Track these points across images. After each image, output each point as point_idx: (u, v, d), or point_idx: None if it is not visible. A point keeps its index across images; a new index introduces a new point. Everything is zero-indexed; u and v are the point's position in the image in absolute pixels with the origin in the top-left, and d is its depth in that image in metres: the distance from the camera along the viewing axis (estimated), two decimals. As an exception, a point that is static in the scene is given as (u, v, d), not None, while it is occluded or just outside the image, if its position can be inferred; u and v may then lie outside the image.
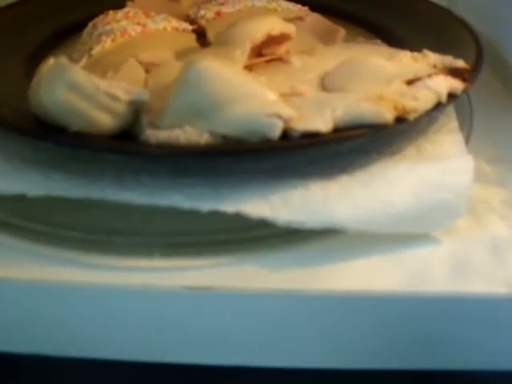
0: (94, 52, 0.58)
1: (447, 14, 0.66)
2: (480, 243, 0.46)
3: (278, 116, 0.44)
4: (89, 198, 0.45)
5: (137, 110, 0.46)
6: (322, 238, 0.45)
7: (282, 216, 0.43)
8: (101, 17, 0.64)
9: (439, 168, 0.47)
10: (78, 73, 0.45)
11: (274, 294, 0.42)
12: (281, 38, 0.55)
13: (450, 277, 0.44)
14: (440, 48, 0.56)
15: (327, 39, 0.64)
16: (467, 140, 0.53)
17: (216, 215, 0.43)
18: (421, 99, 0.47)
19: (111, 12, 0.64)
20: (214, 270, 0.44)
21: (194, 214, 0.44)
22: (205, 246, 0.44)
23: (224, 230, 0.44)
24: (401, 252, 0.45)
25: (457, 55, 0.55)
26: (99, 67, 0.56)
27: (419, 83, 0.49)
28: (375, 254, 0.45)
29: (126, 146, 0.46)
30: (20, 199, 0.45)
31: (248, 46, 0.53)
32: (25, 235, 0.46)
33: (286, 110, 0.44)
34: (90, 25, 0.64)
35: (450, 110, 0.55)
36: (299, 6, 0.67)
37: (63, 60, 0.46)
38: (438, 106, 0.49)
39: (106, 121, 0.45)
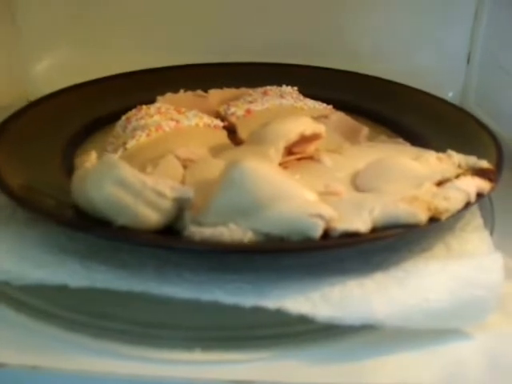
0: (128, 146, 0.60)
1: (465, 114, 0.69)
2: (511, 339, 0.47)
3: (320, 216, 0.46)
4: (131, 290, 0.46)
5: (181, 206, 0.47)
6: (359, 334, 0.46)
7: (321, 312, 0.44)
8: (134, 111, 0.66)
9: (471, 265, 0.49)
10: (126, 170, 0.47)
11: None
12: (312, 138, 0.58)
13: (482, 373, 0.45)
14: (459, 146, 0.59)
15: (351, 137, 0.66)
16: (491, 235, 0.55)
17: (257, 311, 0.45)
18: (452, 200, 0.49)
19: (144, 107, 0.67)
20: (254, 364, 0.44)
21: (234, 309, 0.45)
22: (245, 340, 0.45)
23: (264, 325, 0.46)
24: (436, 347, 0.46)
25: (477, 154, 0.57)
26: (135, 161, 0.57)
27: (449, 184, 0.51)
28: (411, 349, 0.46)
29: (172, 242, 0.47)
30: (62, 289, 0.47)
31: (282, 146, 0.55)
32: (67, 325, 0.47)
33: (328, 211, 0.46)
34: (124, 118, 0.66)
35: (474, 208, 0.57)
36: (324, 104, 0.70)
37: (111, 157, 0.49)
38: (467, 206, 0.51)
39: (151, 216, 0.47)
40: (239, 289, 0.46)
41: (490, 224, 0.57)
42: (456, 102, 0.83)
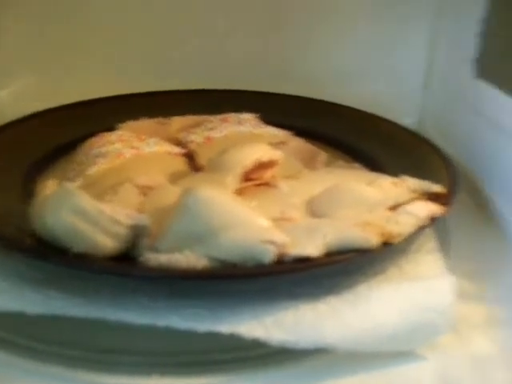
0: (89, 173, 0.61)
1: (421, 140, 0.70)
2: (463, 359, 0.49)
3: (273, 242, 0.46)
4: (87, 317, 0.47)
5: (137, 233, 0.48)
6: (312, 357, 0.47)
7: (275, 336, 0.45)
8: (95, 138, 0.67)
9: (423, 288, 0.50)
10: (83, 198, 0.48)
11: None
12: (268, 164, 0.59)
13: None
14: (415, 171, 0.60)
15: (309, 162, 0.67)
16: (445, 258, 0.56)
17: (212, 335, 0.45)
18: (404, 224, 0.51)
19: (106, 134, 0.67)
20: (210, 388, 0.45)
21: (190, 335, 0.45)
22: (200, 365, 0.46)
23: (219, 350, 0.46)
24: (386, 369, 0.47)
25: (431, 179, 0.59)
26: (95, 188, 0.58)
27: (401, 209, 0.53)
28: (364, 371, 0.47)
29: (127, 269, 0.48)
30: (20, 317, 0.47)
31: (239, 172, 0.56)
32: (24, 353, 0.47)
33: (280, 237, 0.47)
34: (85, 146, 0.66)
35: (428, 231, 0.58)
36: (282, 131, 0.71)
37: (69, 185, 0.49)
38: (419, 229, 0.52)
39: (108, 244, 0.47)
40: (194, 314, 0.46)
41: (445, 246, 0.58)
42: (414, 127, 0.84)
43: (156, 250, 0.48)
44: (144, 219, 0.48)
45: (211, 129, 0.69)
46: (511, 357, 0.49)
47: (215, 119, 0.72)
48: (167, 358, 0.46)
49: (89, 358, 0.46)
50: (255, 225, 0.48)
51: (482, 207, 0.69)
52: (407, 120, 0.85)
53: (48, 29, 0.83)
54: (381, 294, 0.50)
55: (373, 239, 0.48)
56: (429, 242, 0.57)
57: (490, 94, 0.69)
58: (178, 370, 0.46)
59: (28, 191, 0.61)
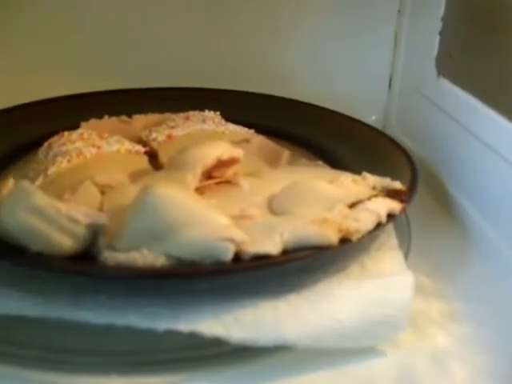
0: (49, 172, 0.60)
1: (383, 137, 0.71)
2: (422, 354, 0.49)
3: (231, 240, 0.46)
4: (45, 317, 0.46)
5: (96, 232, 0.48)
6: (273, 355, 0.46)
7: (234, 334, 0.45)
8: (56, 137, 0.66)
9: (382, 285, 0.50)
10: (40, 197, 0.47)
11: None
12: (229, 162, 0.59)
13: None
14: (378, 168, 0.61)
15: (272, 160, 0.67)
16: (406, 255, 0.56)
17: (171, 334, 0.45)
18: (362, 221, 0.51)
19: (66, 133, 0.67)
20: (169, 387, 0.45)
21: (149, 333, 0.45)
22: (159, 364, 0.46)
23: (178, 349, 0.46)
24: (348, 365, 0.47)
25: (393, 176, 0.59)
26: (55, 187, 0.58)
27: (360, 206, 0.53)
28: (324, 368, 0.47)
29: (84, 268, 0.48)
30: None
31: (199, 170, 0.56)
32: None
33: (238, 234, 0.47)
34: (46, 145, 0.66)
35: (389, 228, 0.58)
36: (246, 129, 0.71)
37: (25, 183, 0.49)
38: (379, 226, 0.52)
39: (65, 242, 0.47)
40: (153, 313, 0.46)
41: (406, 243, 0.58)
42: (379, 125, 0.86)
43: (114, 248, 0.47)
44: (102, 218, 0.48)
45: (173, 127, 0.69)
46: (469, 351, 0.50)
47: (178, 117, 0.72)
48: (126, 357, 0.46)
49: (46, 358, 0.46)
50: (213, 222, 0.48)
51: (444, 205, 0.70)
52: (372, 117, 0.88)
53: (9, 28, 0.82)
54: (341, 291, 0.50)
55: (330, 236, 0.48)
56: (390, 240, 0.57)
57: (451, 91, 0.70)
58: (136, 369, 0.46)
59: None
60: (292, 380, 0.46)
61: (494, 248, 0.61)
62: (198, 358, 0.46)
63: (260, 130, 0.72)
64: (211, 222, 0.48)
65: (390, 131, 0.83)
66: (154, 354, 0.46)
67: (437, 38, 0.74)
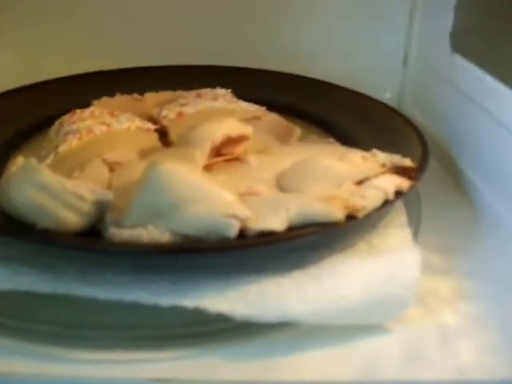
0: (60, 150, 0.61)
1: (396, 114, 0.71)
2: (430, 332, 0.49)
3: (235, 216, 0.47)
4: (54, 292, 0.47)
5: (102, 209, 0.48)
6: (277, 331, 0.47)
7: (238, 310, 0.45)
8: (67, 115, 0.67)
9: (388, 261, 0.50)
10: (46, 173, 0.48)
11: (231, 385, 0.44)
12: (239, 139, 0.59)
13: (402, 365, 0.46)
14: (389, 146, 0.61)
15: (283, 138, 0.67)
16: (416, 232, 0.56)
17: (176, 310, 0.45)
18: (369, 198, 0.51)
19: (78, 111, 0.67)
20: (174, 362, 0.45)
21: (156, 309, 0.46)
22: (165, 339, 0.46)
23: (184, 324, 0.47)
24: (353, 342, 0.47)
25: (405, 153, 0.59)
26: (66, 165, 0.58)
27: (368, 183, 0.53)
28: (329, 344, 0.47)
29: (89, 244, 0.48)
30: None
31: (208, 147, 0.56)
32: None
33: (243, 211, 0.47)
34: (57, 123, 0.67)
35: (399, 205, 0.58)
36: (257, 106, 0.71)
37: (32, 161, 0.49)
38: (386, 203, 0.52)
39: (72, 219, 0.48)
40: (159, 289, 0.47)
41: (416, 220, 0.58)
42: (394, 102, 0.85)
43: (120, 225, 0.47)
44: (107, 194, 0.48)
45: (184, 104, 0.69)
46: (477, 329, 0.50)
47: (190, 95, 0.72)
48: (130, 333, 0.47)
49: (52, 333, 0.46)
50: (218, 199, 0.48)
51: (456, 182, 0.69)
52: (387, 95, 0.87)
53: (20, 9, 0.83)
54: (347, 267, 0.50)
55: (336, 212, 0.48)
56: (399, 217, 0.57)
57: (465, 68, 0.70)
58: (142, 345, 0.46)
59: (1, 169, 0.61)
60: (296, 356, 0.46)
61: (505, 225, 0.60)
62: (202, 334, 0.47)
63: (271, 107, 0.72)
64: (216, 199, 0.48)
65: (404, 108, 0.83)
66: (160, 329, 0.47)
67: (451, 14, 0.73)
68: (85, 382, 0.45)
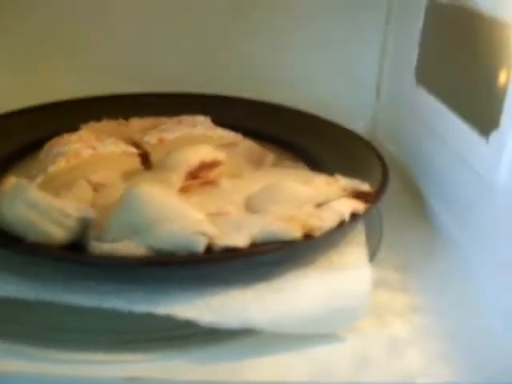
0: (49, 171, 0.65)
1: (362, 142, 0.76)
2: (380, 341, 0.53)
3: (204, 233, 0.52)
4: (40, 300, 0.52)
5: (85, 224, 0.54)
6: (240, 337, 0.52)
7: (204, 317, 0.50)
8: (57, 138, 0.72)
9: (343, 277, 0.55)
10: (36, 192, 0.54)
11: (197, 385, 0.49)
12: (213, 164, 0.64)
13: (352, 370, 0.51)
14: (353, 171, 0.66)
15: (257, 163, 0.73)
16: (376, 250, 0.61)
17: (150, 317, 0.50)
18: (326, 219, 0.56)
19: (66, 135, 0.72)
20: (147, 363, 0.50)
21: (131, 315, 0.51)
22: (139, 342, 0.51)
23: (156, 329, 0.51)
24: (309, 348, 0.52)
25: (367, 178, 0.64)
26: (54, 185, 0.63)
27: (326, 205, 0.58)
28: (287, 350, 0.52)
29: (73, 256, 0.53)
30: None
31: (184, 171, 0.62)
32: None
33: (210, 229, 0.53)
34: (47, 145, 0.71)
35: (360, 226, 0.63)
36: (234, 133, 0.76)
37: (23, 181, 0.55)
38: (342, 225, 0.57)
39: (58, 233, 0.53)
40: (135, 297, 0.52)
41: (377, 239, 0.63)
42: (367, 131, 0.89)
43: (101, 239, 0.53)
44: (90, 212, 0.54)
45: (165, 130, 0.73)
46: (425, 340, 0.54)
47: (171, 121, 0.77)
48: (111, 336, 0.51)
49: (40, 335, 0.51)
50: (189, 218, 0.53)
51: (418, 206, 0.74)
52: (361, 124, 0.91)
53: (9, 30, 0.87)
54: (306, 281, 0.55)
55: (295, 231, 0.54)
56: (359, 236, 0.62)
57: (427, 100, 0.74)
58: (121, 347, 0.51)
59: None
60: (256, 361, 0.51)
61: (458, 247, 0.65)
62: (172, 338, 0.51)
63: (248, 133, 0.77)
64: (187, 218, 0.53)
65: (377, 137, 0.87)
66: (135, 334, 0.51)
67: (416, 49, 0.78)
68: (67, 381, 0.49)
